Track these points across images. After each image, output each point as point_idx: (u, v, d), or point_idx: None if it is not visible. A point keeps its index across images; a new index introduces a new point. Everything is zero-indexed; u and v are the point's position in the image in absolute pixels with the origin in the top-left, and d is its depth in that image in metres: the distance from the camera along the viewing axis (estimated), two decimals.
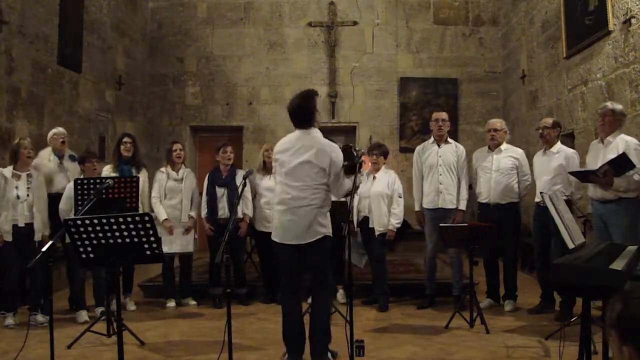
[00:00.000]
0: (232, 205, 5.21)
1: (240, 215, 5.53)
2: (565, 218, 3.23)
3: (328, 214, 3.70)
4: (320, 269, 3.68)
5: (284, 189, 3.66)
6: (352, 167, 3.67)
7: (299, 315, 3.73)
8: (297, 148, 3.65)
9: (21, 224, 4.85)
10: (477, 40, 9.53)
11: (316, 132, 3.71)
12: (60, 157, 5.61)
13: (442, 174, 5.35)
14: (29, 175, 4.95)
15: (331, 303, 3.83)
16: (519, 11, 8.50)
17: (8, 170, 4.85)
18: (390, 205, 5.38)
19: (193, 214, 5.66)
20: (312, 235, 3.59)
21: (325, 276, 3.71)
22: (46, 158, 5.57)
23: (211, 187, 5.63)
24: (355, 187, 3.73)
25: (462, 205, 5.37)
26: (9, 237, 4.78)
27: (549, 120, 5.17)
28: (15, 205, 4.82)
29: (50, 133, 5.71)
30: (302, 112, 3.70)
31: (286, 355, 3.72)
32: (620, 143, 4.31)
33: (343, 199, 5.06)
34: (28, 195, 4.89)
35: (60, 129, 5.73)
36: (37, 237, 4.92)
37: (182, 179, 5.64)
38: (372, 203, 5.36)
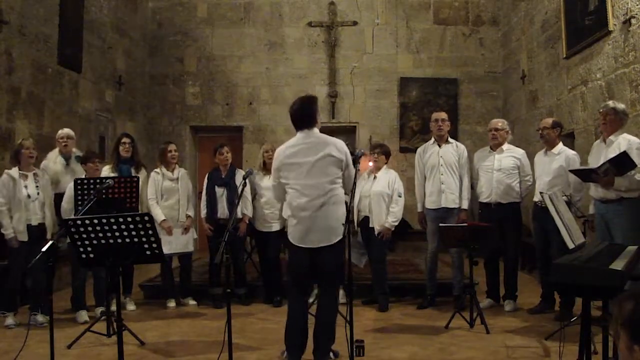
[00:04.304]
0: (232, 205, 5.21)
1: (239, 215, 5.52)
2: (565, 218, 3.23)
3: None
4: (334, 271, 3.65)
5: (303, 191, 3.59)
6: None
7: (303, 317, 3.72)
8: (308, 147, 3.64)
9: (35, 224, 4.85)
10: (477, 40, 9.53)
11: (318, 131, 3.73)
12: (67, 158, 5.61)
13: (443, 173, 5.35)
14: (35, 175, 4.96)
15: (337, 305, 3.83)
16: (519, 11, 8.50)
17: (15, 171, 4.84)
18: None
19: (190, 213, 5.66)
20: (335, 236, 3.55)
21: (336, 279, 3.71)
22: (52, 160, 5.60)
23: (210, 187, 5.62)
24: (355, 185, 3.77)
25: (465, 205, 5.36)
26: (24, 237, 4.78)
27: (548, 121, 5.17)
28: (27, 205, 4.82)
29: (57, 134, 5.74)
30: (305, 114, 3.71)
31: (285, 354, 3.72)
32: (623, 142, 4.28)
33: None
34: (38, 193, 4.91)
35: (65, 131, 5.73)
36: (49, 235, 4.93)
37: (177, 179, 5.64)
38: (372, 203, 5.36)
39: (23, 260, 4.72)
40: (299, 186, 3.62)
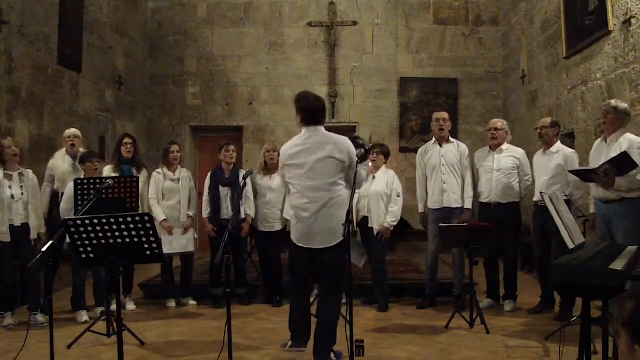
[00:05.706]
0: (235, 205, 5.20)
1: (242, 215, 5.52)
2: (565, 218, 3.23)
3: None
4: (337, 270, 3.65)
5: (304, 193, 3.61)
6: (362, 155, 3.74)
7: (306, 305, 3.82)
8: (310, 147, 3.64)
9: (17, 224, 4.81)
10: (477, 40, 9.53)
11: (323, 130, 3.73)
12: (75, 158, 5.61)
13: (445, 173, 5.34)
14: (20, 175, 4.90)
15: (340, 307, 3.82)
16: (519, 11, 8.51)
17: None
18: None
19: (191, 213, 5.66)
20: (336, 238, 3.54)
21: (339, 278, 3.69)
22: (60, 159, 5.60)
23: (214, 187, 5.58)
24: (355, 184, 3.75)
25: (468, 204, 5.35)
26: (6, 238, 4.74)
27: (547, 120, 5.17)
28: (10, 205, 4.77)
29: (64, 134, 5.74)
30: (318, 111, 3.73)
31: (288, 344, 3.75)
32: (624, 142, 4.22)
33: None
34: (23, 194, 4.86)
35: (72, 131, 5.72)
36: (33, 235, 4.91)
37: (179, 179, 5.64)
38: (371, 202, 5.36)
39: (10, 261, 4.70)
40: (300, 187, 3.63)
